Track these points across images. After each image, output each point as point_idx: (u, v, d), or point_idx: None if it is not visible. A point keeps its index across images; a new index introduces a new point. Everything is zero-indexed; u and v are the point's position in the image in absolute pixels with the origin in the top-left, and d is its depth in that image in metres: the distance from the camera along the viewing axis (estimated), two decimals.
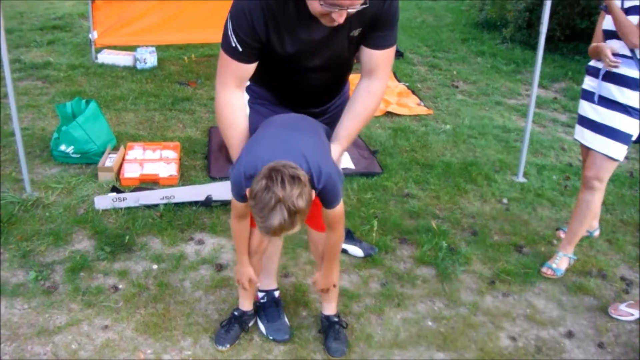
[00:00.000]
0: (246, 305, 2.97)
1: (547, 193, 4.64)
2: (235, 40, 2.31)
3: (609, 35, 3.34)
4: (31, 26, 8.61)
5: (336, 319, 2.96)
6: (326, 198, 2.38)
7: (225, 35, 2.34)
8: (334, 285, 2.86)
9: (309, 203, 2.17)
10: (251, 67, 2.41)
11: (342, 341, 2.90)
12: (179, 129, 5.39)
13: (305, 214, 2.16)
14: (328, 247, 2.64)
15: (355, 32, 2.36)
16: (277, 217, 2.08)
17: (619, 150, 3.35)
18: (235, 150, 2.48)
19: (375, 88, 2.51)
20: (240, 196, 2.38)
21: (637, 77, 3.22)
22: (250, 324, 3.00)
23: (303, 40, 2.32)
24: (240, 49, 2.32)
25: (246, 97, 2.65)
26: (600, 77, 3.37)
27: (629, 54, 3.24)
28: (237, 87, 2.45)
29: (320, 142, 2.42)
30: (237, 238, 2.82)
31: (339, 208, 2.47)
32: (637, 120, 3.29)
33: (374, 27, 2.37)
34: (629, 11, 3.23)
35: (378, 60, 2.47)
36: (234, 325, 2.92)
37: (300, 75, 2.48)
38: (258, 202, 2.11)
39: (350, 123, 2.53)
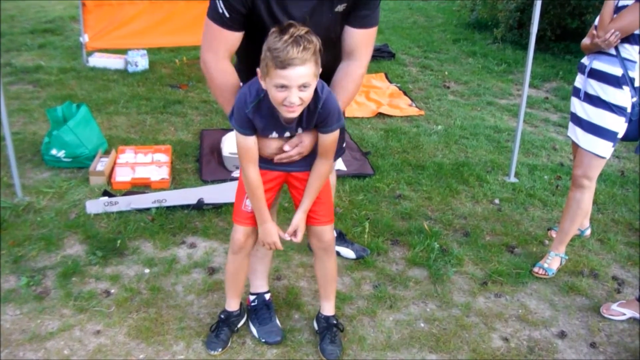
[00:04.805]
0: (232, 305, 2.96)
1: (538, 193, 4.66)
2: (222, 5, 2.34)
3: None
4: (22, 30, 8.59)
5: (335, 321, 2.97)
6: (327, 115, 2.42)
7: (212, 3, 2.37)
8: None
9: (317, 48, 2.24)
10: (238, 36, 2.43)
11: (337, 344, 2.90)
12: (170, 132, 5.38)
13: (316, 55, 2.24)
14: (317, 174, 2.61)
15: (340, 8, 2.39)
16: (292, 44, 2.17)
17: (605, 148, 3.37)
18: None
19: (353, 69, 2.54)
20: (243, 121, 2.41)
21: (620, 75, 3.24)
22: (240, 324, 3.00)
23: (289, 10, 2.35)
24: (228, 15, 2.34)
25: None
26: (586, 74, 3.40)
27: (613, 52, 3.27)
28: (226, 56, 2.47)
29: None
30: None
31: (335, 134, 2.51)
32: (622, 118, 3.31)
33: (358, 5, 2.42)
34: (618, 11, 3.24)
35: (358, 40, 2.50)
36: (222, 328, 2.91)
37: None
38: (273, 39, 2.20)
39: None
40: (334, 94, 2.49)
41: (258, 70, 2.31)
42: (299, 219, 2.68)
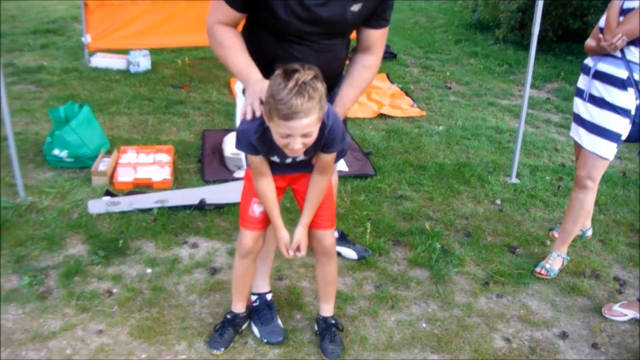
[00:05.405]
0: (239, 307, 2.97)
1: (540, 194, 4.66)
2: None
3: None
4: (24, 30, 8.60)
5: (333, 321, 2.98)
6: (332, 140, 2.41)
7: None
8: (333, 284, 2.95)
9: (323, 94, 2.21)
10: (237, 16, 2.46)
11: (338, 344, 2.90)
12: (172, 133, 5.38)
13: (322, 101, 2.21)
14: (316, 189, 2.62)
15: (355, 8, 2.42)
16: (297, 94, 2.12)
17: (609, 149, 3.37)
18: (243, 70, 2.45)
19: (371, 62, 2.65)
20: (248, 146, 2.41)
21: (625, 77, 3.25)
22: (244, 326, 3.01)
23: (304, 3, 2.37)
24: None
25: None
26: (591, 75, 3.40)
27: (618, 54, 3.27)
28: (226, 23, 2.48)
29: None
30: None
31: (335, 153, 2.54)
32: (626, 120, 3.31)
33: (381, 8, 2.49)
34: (624, 13, 3.24)
35: (376, 38, 2.61)
36: (227, 328, 2.92)
37: (300, 46, 2.50)
38: (277, 86, 2.15)
39: (347, 92, 2.62)
40: (350, 80, 2.59)
41: (261, 107, 2.29)
42: (300, 235, 2.69)
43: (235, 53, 2.46)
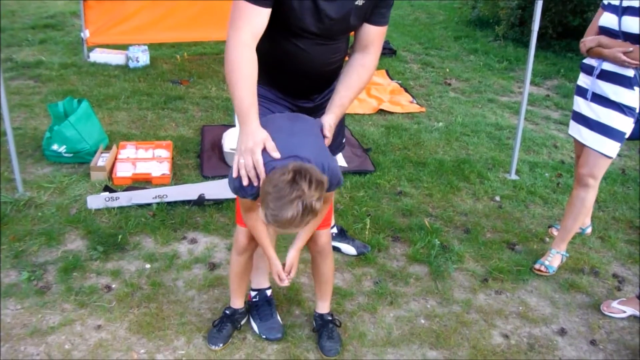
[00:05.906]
0: (237, 303, 2.97)
1: (539, 190, 4.66)
2: None
3: (605, 33, 3.34)
4: (23, 25, 8.58)
5: (330, 318, 2.97)
6: (328, 188, 2.35)
7: None
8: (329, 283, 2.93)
9: (319, 212, 2.20)
10: (264, 13, 2.37)
11: (336, 340, 2.90)
12: (171, 128, 5.38)
13: (315, 221, 2.23)
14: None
15: (360, 2, 2.43)
16: (292, 210, 2.10)
17: (612, 148, 3.37)
18: (244, 108, 2.36)
19: (369, 62, 2.63)
20: (245, 197, 2.40)
21: (632, 75, 3.24)
22: (243, 322, 3.01)
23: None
24: None
25: None
26: (595, 75, 3.38)
27: None
28: (250, 34, 2.37)
29: (318, 140, 2.48)
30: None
31: None
32: (631, 119, 3.30)
33: (379, 3, 2.50)
34: (626, 11, 3.22)
35: (374, 36, 2.59)
36: (226, 324, 2.92)
37: (306, 40, 2.50)
38: (279, 191, 2.11)
39: (345, 93, 2.60)
40: (348, 80, 2.57)
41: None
42: (292, 258, 2.67)
43: (245, 85, 2.36)
